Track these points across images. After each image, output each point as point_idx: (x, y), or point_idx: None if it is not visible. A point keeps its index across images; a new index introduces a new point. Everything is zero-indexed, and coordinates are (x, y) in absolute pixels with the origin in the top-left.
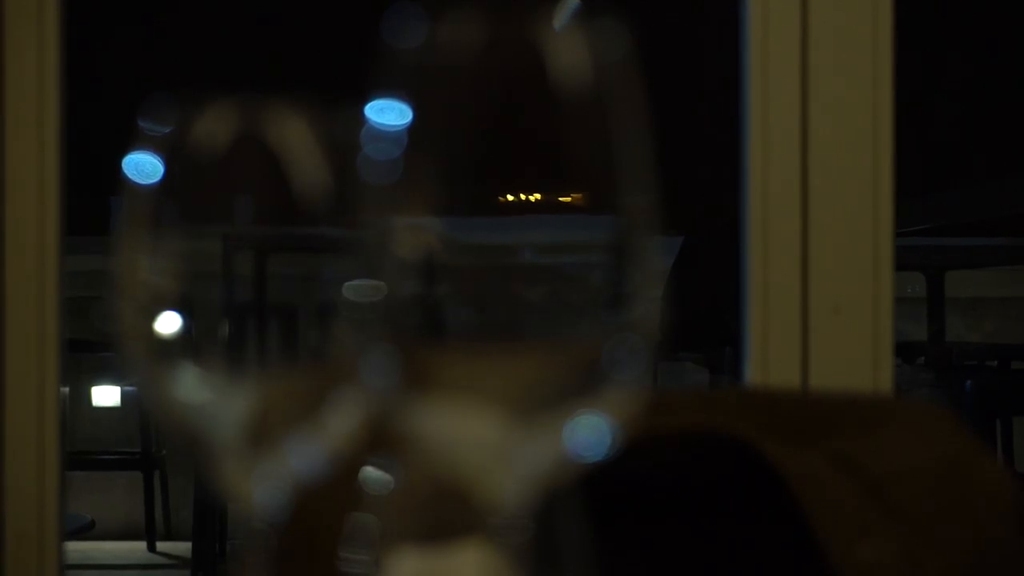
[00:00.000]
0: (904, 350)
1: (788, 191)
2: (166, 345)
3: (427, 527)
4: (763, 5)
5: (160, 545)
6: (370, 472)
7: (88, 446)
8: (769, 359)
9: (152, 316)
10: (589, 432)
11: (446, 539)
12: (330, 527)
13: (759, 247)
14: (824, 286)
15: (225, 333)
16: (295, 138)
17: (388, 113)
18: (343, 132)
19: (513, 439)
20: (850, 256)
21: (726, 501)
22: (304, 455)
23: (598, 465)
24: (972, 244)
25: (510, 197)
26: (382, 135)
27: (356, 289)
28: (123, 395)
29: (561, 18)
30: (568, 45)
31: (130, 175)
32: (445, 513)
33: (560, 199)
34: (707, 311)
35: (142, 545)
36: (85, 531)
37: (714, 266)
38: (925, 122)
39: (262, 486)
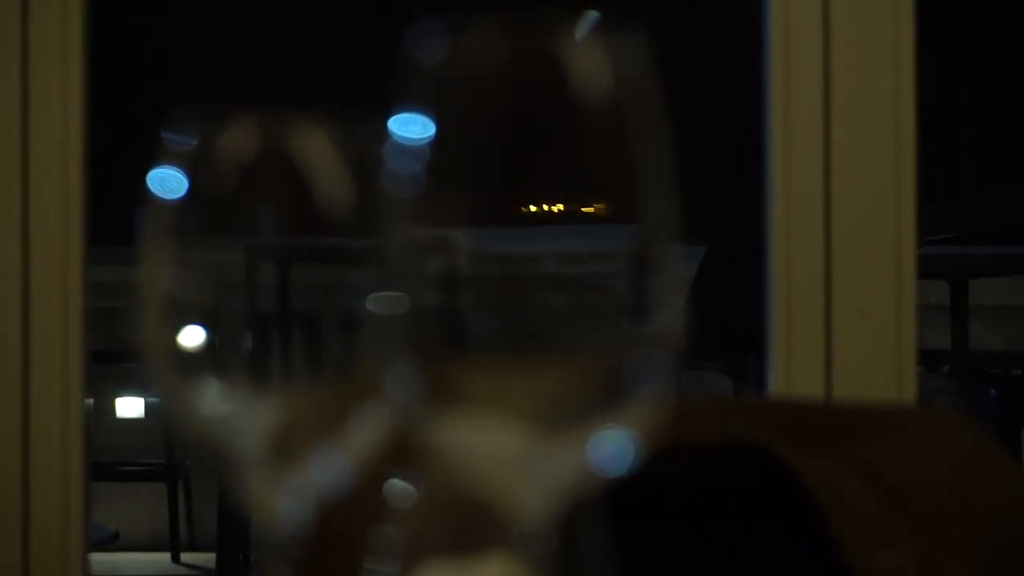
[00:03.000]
0: (928, 358)
1: (811, 198)
2: (189, 357)
3: (451, 539)
4: (785, 12)
5: (184, 556)
6: (394, 484)
7: (112, 457)
8: (792, 368)
9: (175, 328)
10: (611, 445)
11: (470, 551)
12: (354, 540)
13: (782, 255)
14: (847, 293)
15: (248, 344)
16: (317, 151)
17: (411, 126)
18: (366, 144)
19: (536, 452)
20: (873, 263)
21: (747, 509)
22: (328, 468)
23: (620, 477)
24: (995, 252)
25: (532, 207)
26: (405, 149)
27: (379, 301)
28: (147, 406)
29: (581, 30)
30: (588, 57)
31: (154, 190)
32: (469, 525)
33: (582, 209)
34: (730, 319)
35: (166, 556)
36: (109, 542)
37: (738, 274)
38: (948, 128)
39: (286, 499)
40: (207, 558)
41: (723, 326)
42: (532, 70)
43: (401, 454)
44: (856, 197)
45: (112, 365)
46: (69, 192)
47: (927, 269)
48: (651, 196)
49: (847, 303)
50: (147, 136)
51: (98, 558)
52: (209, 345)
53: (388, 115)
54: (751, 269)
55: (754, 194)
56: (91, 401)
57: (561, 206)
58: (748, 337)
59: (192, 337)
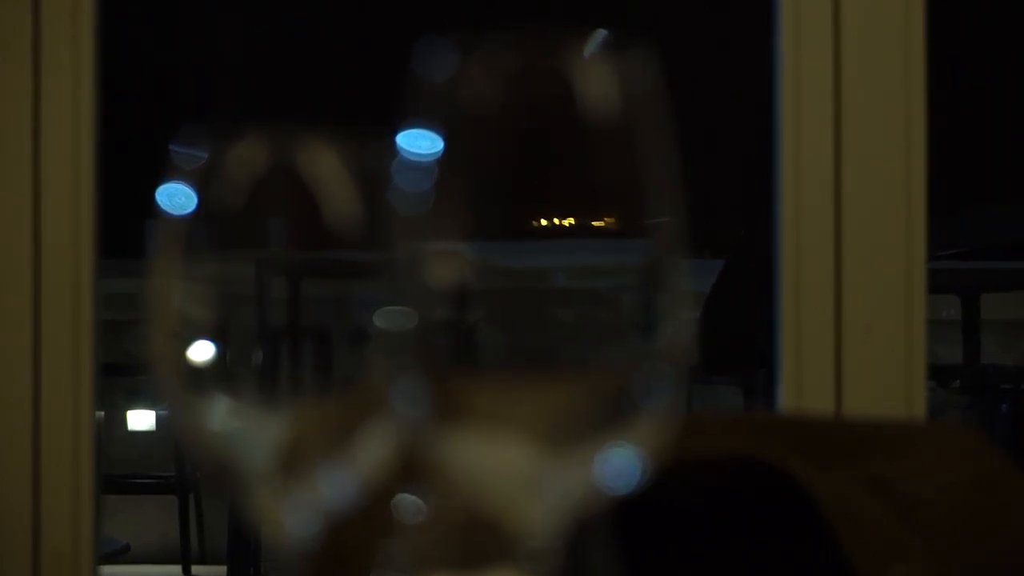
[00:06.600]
0: (939, 373)
1: (821, 212)
2: (199, 372)
3: (459, 555)
4: (795, 26)
5: (195, 569)
6: (403, 500)
7: (123, 469)
8: (802, 382)
9: (185, 343)
10: (619, 463)
11: (477, 567)
12: (362, 555)
13: (791, 268)
14: (857, 307)
15: (258, 359)
16: (326, 166)
17: (420, 141)
18: (375, 159)
19: (544, 469)
20: (883, 277)
21: (756, 525)
22: (336, 483)
23: (629, 493)
24: (1008, 267)
25: (543, 221)
26: (413, 165)
27: (387, 316)
28: (158, 419)
29: (589, 47)
30: (597, 73)
31: (163, 205)
32: (477, 541)
33: (592, 223)
34: (745, 333)
35: (177, 569)
36: (120, 555)
37: (753, 288)
38: (959, 141)
39: (294, 515)
40: (218, 571)
41: (738, 340)
42: (541, 86)
43: (410, 470)
44: (866, 210)
45: (123, 377)
46: (80, 204)
47: (939, 283)
48: (660, 210)
49: (857, 317)
50: (158, 149)
51: (109, 570)
52: (219, 359)
53: (397, 131)
54: (765, 283)
55: (769, 208)
56: (102, 413)
57: (571, 220)
58: (761, 351)
59: (202, 351)
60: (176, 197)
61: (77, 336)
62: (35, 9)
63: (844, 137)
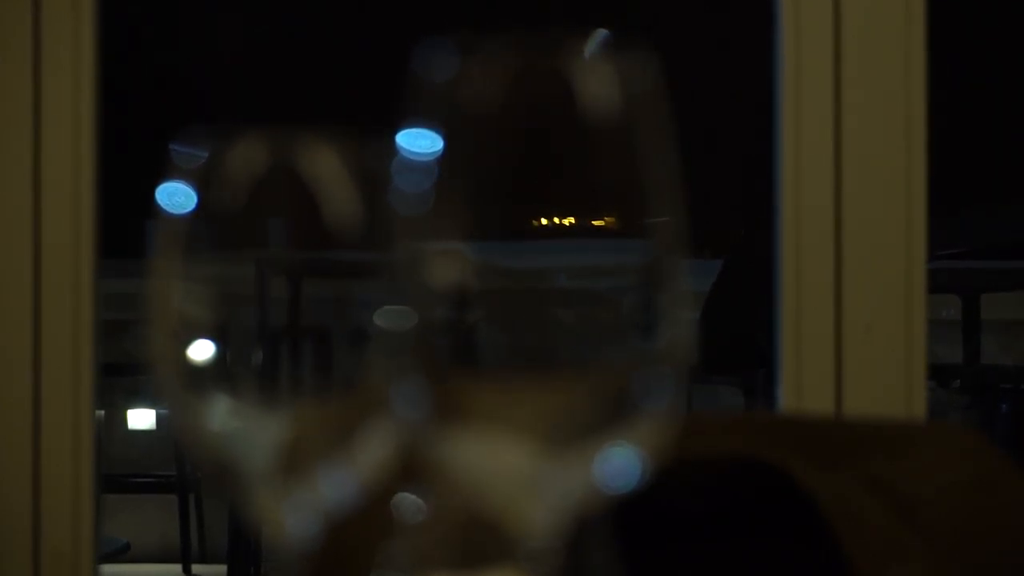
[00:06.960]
0: (939, 373)
1: (821, 212)
2: (199, 372)
3: (459, 555)
4: (795, 26)
5: (195, 568)
6: (403, 499)
7: (123, 469)
8: (802, 382)
9: (185, 342)
10: (619, 463)
11: (477, 567)
12: (362, 555)
13: (791, 268)
14: (857, 307)
15: (258, 359)
16: (326, 166)
17: (420, 140)
18: (374, 160)
19: (544, 469)
20: (883, 277)
21: (756, 525)
22: (336, 484)
23: (628, 493)
24: (1009, 266)
25: (543, 221)
26: (413, 165)
27: (387, 316)
28: (158, 418)
29: (590, 47)
30: (597, 73)
31: (163, 205)
32: (476, 541)
33: (593, 223)
34: (745, 333)
35: (177, 568)
36: (121, 554)
37: (752, 288)
38: (960, 141)
39: (294, 515)
40: (218, 570)
41: (738, 340)
42: (541, 87)
43: (410, 470)
44: (866, 210)
45: (124, 377)
46: (80, 204)
47: (939, 283)
48: (660, 210)
49: (857, 317)
50: (158, 149)
51: (109, 569)
52: (219, 359)
53: (397, 131)
54: (765, 283)
55: (769, 208)
56: (102, 413)
57: (571, 220)
58: (761, 351)
59: (202, 351)
60: (176, 197)
61: (77, 336)
62: (35, 9)
63: (844, 137)
